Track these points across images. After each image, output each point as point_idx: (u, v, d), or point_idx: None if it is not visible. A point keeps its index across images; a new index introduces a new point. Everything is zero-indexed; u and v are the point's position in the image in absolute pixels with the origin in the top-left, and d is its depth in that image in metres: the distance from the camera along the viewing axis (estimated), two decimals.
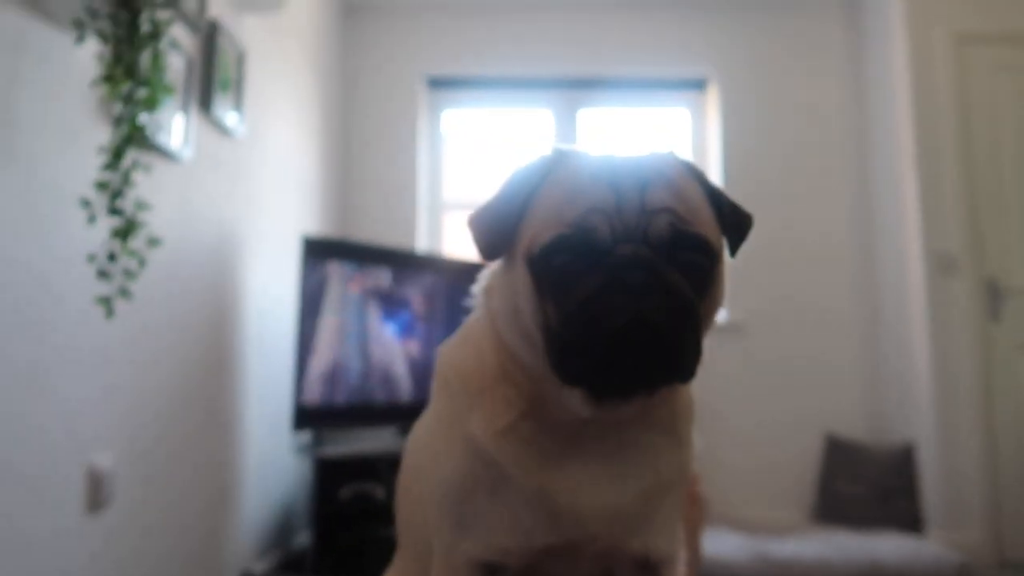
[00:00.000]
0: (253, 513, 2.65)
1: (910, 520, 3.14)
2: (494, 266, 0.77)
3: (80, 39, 1.52)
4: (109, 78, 1.56)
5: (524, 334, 0.70)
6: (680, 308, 0.64)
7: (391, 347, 2.85)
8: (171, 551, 2.09)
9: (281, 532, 2.91)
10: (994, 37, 3.31)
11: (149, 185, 1.78)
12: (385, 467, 2.54)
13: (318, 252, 2.64)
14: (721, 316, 3.60)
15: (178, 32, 2.02)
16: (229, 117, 2.40)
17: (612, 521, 0.73)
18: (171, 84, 1.75)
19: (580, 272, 0.65)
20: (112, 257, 1.56)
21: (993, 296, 3.13)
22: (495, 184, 0.74)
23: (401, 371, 2.86)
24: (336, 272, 2.69)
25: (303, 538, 2.97)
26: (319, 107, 3.43)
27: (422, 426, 0.89)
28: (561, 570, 0.76)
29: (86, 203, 1.51)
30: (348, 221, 3.73)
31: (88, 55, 1.63)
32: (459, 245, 3.77)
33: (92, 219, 1.52)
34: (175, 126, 2.05)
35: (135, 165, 1.60)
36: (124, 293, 1.57)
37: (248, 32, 2.59)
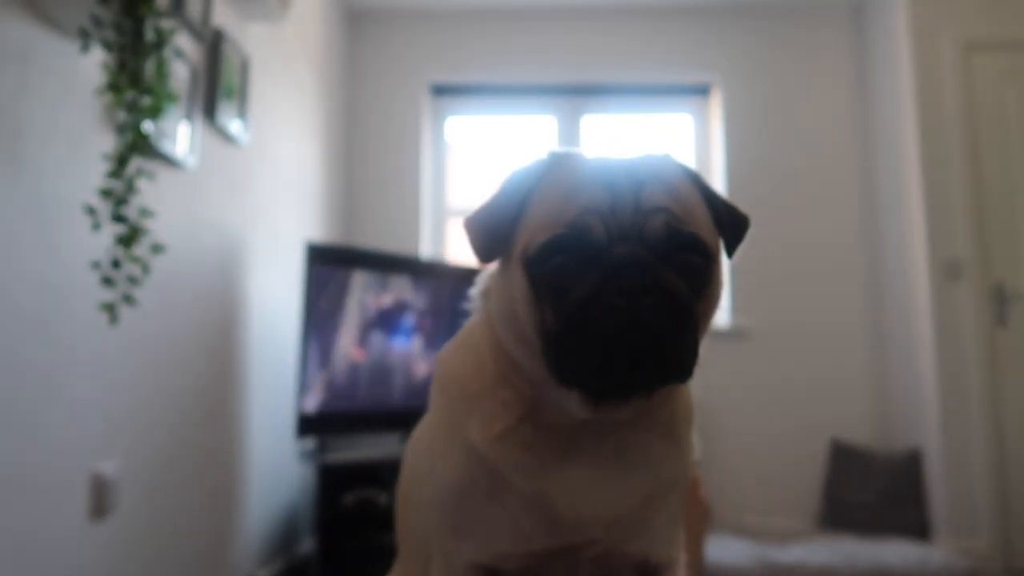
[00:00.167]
0: (257, 519, 2.65)
1: (917, 527, 3.12)
2: (491, 269, 0.77)
3: (85, 48, 1.54)
4: (113, 86, 1.57)
5: (521, 336, 0.70)
6: (676, 308, 0.64)
7: (394, 353, 2.85)
8: (175, 557, 2.10)
9: (285, 538, 2.90)
10: (1000, 44, 3.30)
11: (154, 193, 1.79)
12: (389, 473, 2.54)
13: (322, 259, 2.65)
14: (727, 323, 3.61)
15: (182, 41, 2.03)
16: (233, 125, 2.41)
17: (611, 525, 0.72)
18: (175, 92, 1.76)
19: (576, 273, 0.65)
20: (116, 264, 1.56)
21: (1000, 302, 3.12)
22: (493, 187, 0.75)
23: (404, 377, 2.86)
24: (340, 279, 2.70)
25: (307, 544, 2.97)
26: (323, 114, 3.44)
27: (421, 431, 0.89)
28: (560, 574, 0.75)
29: (91, 210, 1.52)
30: (352, 228, 3.74)
31: (93, 64, 1.64)
32: (463, 252, 3.78)
33: (96, 226, 1.53)
34: (180, 134, 2.06)
35: (139, 173, 1.60)
36: (128, 300, 1.58)
37: (252, 40, 2.60)
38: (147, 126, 1.63)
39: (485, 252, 0.72)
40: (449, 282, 3.03)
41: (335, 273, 2.68)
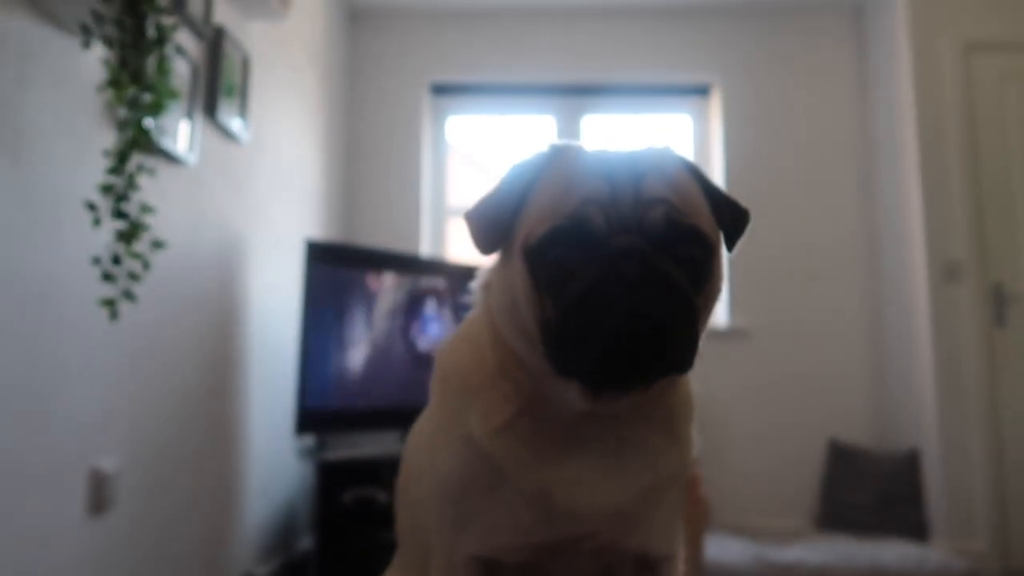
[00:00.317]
0: (256, 517, 2.65)
1: (915, 527, 3.13)
2: (492, 262, 0.77)
3: (86, 44, 1.54)
4: (115, 83, 1.57)
5: (522, 328, 0.70)
6: (675, 299, 0.64)
7: (394, 351, 2.86)
8: (173, 554, 2.10)
9: (284, 536, 2.91)
10: (999, 45, 3.31)
11: (155, 190, 1.79)
12: (388, 471, 2.54)
13: (322, 256, 2.65)
14: (726, 323, 3.61)
15: (184, 38, 2.04)
16: (234, 122, 2.42)
17: (610, 518, 0.72)
18: (177, 89, 1.76)
19: (576, 264, 0.65)
20: (116, 260, 1.57)
21: (999, 302, 3.12)
22: (494, 182, 0.75)
23: (404, 375, 2.86)
24: (340, 276, 2.70)
25: (306, 542, 2.97)
26: (324, 113, 3.45)
27: (421, 425, 0.89)
28: (560, 567, 0.76)
29: (91, 206, 1.52)
30: (352, 226, 3.74)
31: (94, 60, 1.65)
32: (463, 250, 3.78)
33: (97, 222, 1.53)
34: (180, 131, 2.06)
35: (140, 169, 1.61)
36: (128, 295, 1.58)
37: (253, 38, 2.61)
38: (148, 123, 1.63)
39: (486, 244, 0.72)
40: (448, 280, 3.03)
41: (335, 271, 2.68)
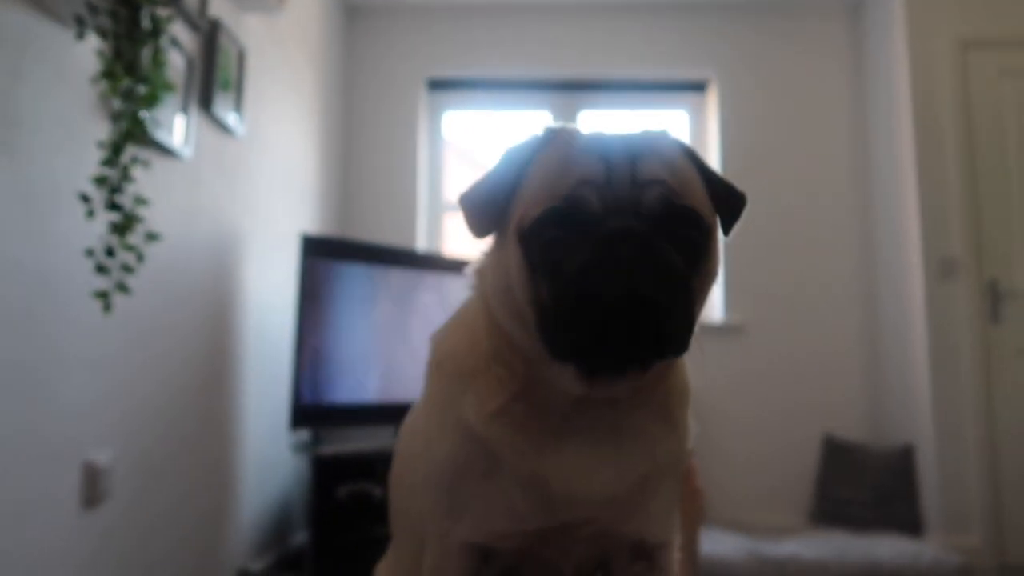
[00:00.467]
0: (250, 511, 2.65)
1: (909, 523, 3.14)
2: (487, 246, 0.77)
3: (80, 35, 1.53)
4: (109, 74, 1.57)
5: (516, 312, 0.69)
6: (671, 280, 0.63)
7: (388, 345, 2.85)
8: (168, 548, 2.09)
9: (278, 530, 2.90)
10: (996, 42, 3.32)
11: (150, 182, 1.79)
12: (383, 466, 2.52)
13: (317, 251, 2.64)
14: (721, 318, 3.61)
15: (179, 31, 2.03)
16: (229, 116, 2.41)
17: (606, 505, 0.72)
18: (172, 82, 1.75)
19: (571, 246, 0.64)
20: (110, 252, 1.56)
21: (994, 299, 3.13)
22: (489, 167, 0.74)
23: (399, 369, 2.86)
24: (335, 271, 2.69)
25: (300, 537, 2.96)
26: (319, 107, 3.44)
27: (415, 412, 0.88)
28: (555, 554, 0.75)
29: (85, 198, 1.51)
30: (348, 221, 3.73)
31: (88, 51, 1.64)
32: (459, 245, 3.78)
33: (91, 214, 1.52)
34: (175, 124, 2.05)
35: (134, 161, 1.60)
36: (122, 288, 1.57)
37: (249, 32, 2.60)
38: (142, 114, 1.62)
39: (480, 227, 0.72)
40: (444, 275, 3.03)
41: (330, 265, 2.67)
